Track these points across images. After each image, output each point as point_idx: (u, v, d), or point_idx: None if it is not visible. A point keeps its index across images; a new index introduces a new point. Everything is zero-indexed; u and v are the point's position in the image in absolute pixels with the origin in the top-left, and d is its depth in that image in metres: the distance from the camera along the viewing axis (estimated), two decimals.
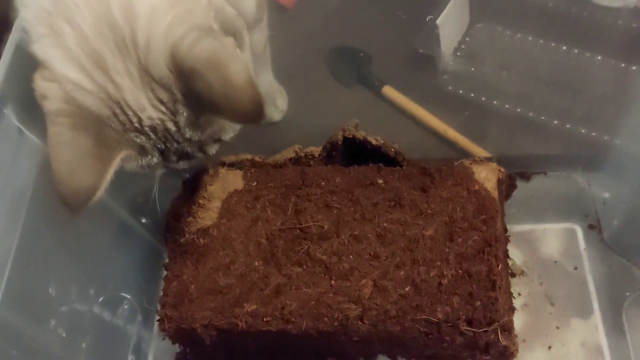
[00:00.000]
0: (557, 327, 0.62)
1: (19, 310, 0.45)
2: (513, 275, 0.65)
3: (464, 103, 0.77)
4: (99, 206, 0.60)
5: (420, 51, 0.76)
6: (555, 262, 0.65)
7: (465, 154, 0.73)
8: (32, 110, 0.48)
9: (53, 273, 0.49)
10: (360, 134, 0.61)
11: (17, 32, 0.49)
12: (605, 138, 0.71)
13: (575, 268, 0.65)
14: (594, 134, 0.71)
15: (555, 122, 0.74)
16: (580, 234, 0.67)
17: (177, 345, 0.63)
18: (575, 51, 0.79)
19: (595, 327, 0.61)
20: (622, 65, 0.76)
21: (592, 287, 0.63)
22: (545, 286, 0.64)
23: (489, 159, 0.66)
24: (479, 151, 0.73)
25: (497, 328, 0.51)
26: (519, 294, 0.64)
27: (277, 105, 0.79)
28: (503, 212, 0.61)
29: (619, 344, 0.60)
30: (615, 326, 0.61)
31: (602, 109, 0.72)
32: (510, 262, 0.65)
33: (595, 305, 0.62)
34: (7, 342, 0.44)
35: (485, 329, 0.51)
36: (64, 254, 0.52)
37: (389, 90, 0.79)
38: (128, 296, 0.61)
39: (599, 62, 0.78)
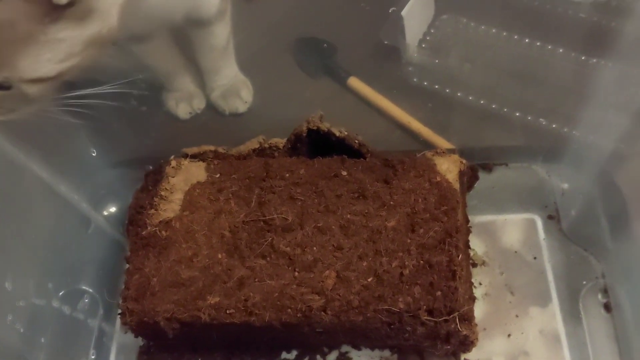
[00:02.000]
0: (517, 316, 0.63)
1: None
2: (474, 265, 0.66)
3: (429, 95, 0.78)
4: (58, 198, 0.60)
5: (385, 42, 0.77)
6: (516, 252, 0.67)
7: (429, 145, 0.74)
8: None
9: (9, 267, 0.48)
10: (325, 126, 0.61)
11: None
12: (565, 130, 0.72)
13: (535, 258, 0.66)
14: (554, 125, 0.73)
15: (518, 114, 0.75)
16: (540, 224, 0.68)
17: (140, 339, 0.62)
18: (538, 44, 0.81)
19: (553, 315, 0.63)
20: (582, 57, 0.78)
21: (550, 276, 0.65)
22: (506, 276, 0.65)
23: (452, 151, 0.67)
24: (443, 143, 0.73)
25: (456, 317, 0.52)
26: (480, 284, 0.65)
27: (242, 97, 0.79)
28: (465, 203, 0.62)
29: (576, 331, 0.62)
30: (572, 314, 0.63)
31: (562, 101, 0.74)
32: (471, 253, 0.66)
33: (554, 294, 0.64)
34: None
35: (445, 318, 0.52)
36: (21, 247, 0.51)
37: (354, 82, 0.79)
38: (89, 290, 0.60)
39: (560, 54, 0.79)
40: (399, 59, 0.79)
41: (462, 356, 0.61)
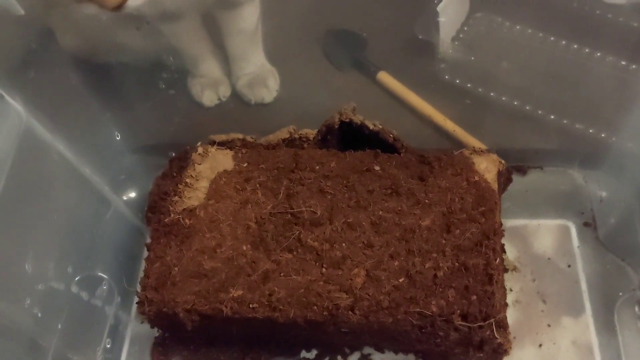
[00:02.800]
0: (549, 325, 0.60)
1: None
2: (506, 270, 0.63)
3: (461, 93, 0.76)
4: (80, 180, 0.58)
5: (420, 37, 0.74)
6: (549, 259, 0.64)
7: (460, 145, 0.72)
8: (13, 75, 0.45)
9: (30, 249, 0.46)
10: (358, 118, 0.59)
11: None
12: (603, 135, 0.69)
13: (569, 266, 0.63)
14: (591, 130, 0.70)
15: (553, 117, 0.72)
16: (574, 231, 0.65)
17: (155, 330, 0.60)
18: (575, 46, 0.78)
19: (586, 326, 0.60)
20: (622, 63, 0.75)
21: (584, 285, 0.62)
22: (538, 283, 0.63)
23: (485, 151, 0.65)
24: (475, 142, 0.71)
25: (492, 324, 0.49)
26: (511, 290, 0.62)
27: (269, 86, 0.77)
28: (500, 206, 0.60)
29: (610, 343, 0.59)
30: (606, 325, 0.60)
31: (600, 106, 0.71)
32: (504, 257, 0.63)
33: (588, 304, 0.61)
34: None
35: (480, 324, 0.49)
36: (42, 229, 0.49)
37: (384, 76, 0.77)
38: (106, 276, 0.58)
39: (598, 58, 0.77)
40: (431, 54, 0.76)
41: None
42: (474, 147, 0.58)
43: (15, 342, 0.46)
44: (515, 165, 0.69)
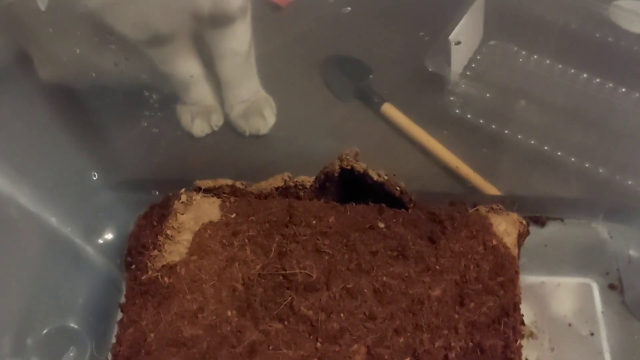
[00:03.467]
0: None
1: None
2: (522, 337, 0.57)
3: (472, 130, 0.70)
4: (45, 231, 0.51)
5: (430, 70, 0.68)
6: (569, 324, 0.57)
7: (470, 188, 0.66)
8: None
9: None
10: (361, 166, 0.52)
11: None
12: (630, 183, 0.63)
13: (592, 334, 0.57)
14: (617, 177, 0.64)
15: (573, 159, 0.66)
16: (598, 293, 0.59)
17: None
18: (597, 80, 0.72)
19: None
20: None
21: (608, 357, 0.56)
22: (557, 353, 0.56)
23: (499, 198, 0.59)
24: (487, 187, 0.65)
25: None
26: None
27: (265, 116, 0.71)
28: (520, 244, 0.53)
29: None
30: None
31: (626, 149, 0.65)
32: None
33: None
34: None
35: None
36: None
37: (389, 109, 0.71)
38: (73, 345, 0.51)
39: (622, 94, 0.71)
40: (440, 86, 0.70)
41: None
42: (491, 206, 0.51)
43: None
44: (532, 216, 0.62)
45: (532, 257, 0.60)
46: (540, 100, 0.70)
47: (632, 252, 0.59)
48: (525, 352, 0.56)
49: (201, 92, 0.70)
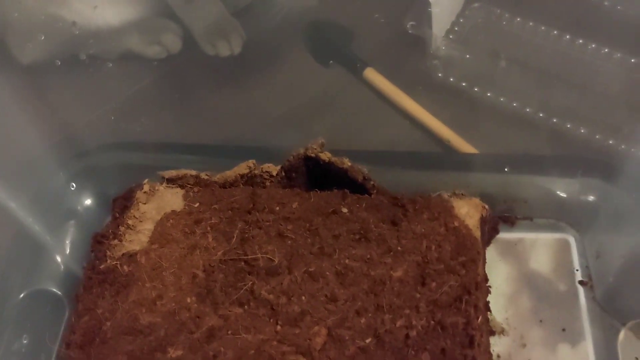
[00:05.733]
0: None
1: None
2: (492, 333, 0.55)
3: (454, 93, 0.69)
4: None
5: (410, 32, 0.68)
6: (541, 321, 0.57)
7: (453, 151, 0.65)
8: None
9: None
10: (326, 156, 0.52)
11: None
12: (611, 142, 0.63)
13: (563, 329, 0.56)
14: (597, 136, 0.64)
15: (555, 120, 0.66)
16: (569, 290, 0.58)
17: None
18: (580, 41, 0.71)
19: None
20: (632, 61, 0.68)
21: (583, 349, 0.54)
22: (529, 348, 0.55)
23: (478, 157, 0.60)
24: (467, 147, 0.65)
25: None
26: (499, 357, 0.54)
27: (230, 42, 0.71)
28: (485, 258, 0.53)
29: None
30: None
31: (607, 109, 0.65)
32: (490, 318, 0.56)
33: None
34: None
35: None
36: None
37: (371, 73, 0.71)
38: (26, 334, 0.50)
39: (604, 55, 0.70)
40: (423, 50, 0.70)
41: None
42: (454, 191, 0.52)
43: None
44: (502, 215, 0.62)
45: (502, 255, 0.60)
46: (523, 63, 0.69)
47: (600, 248, 0.59)
48: (497, 349, 0.55)
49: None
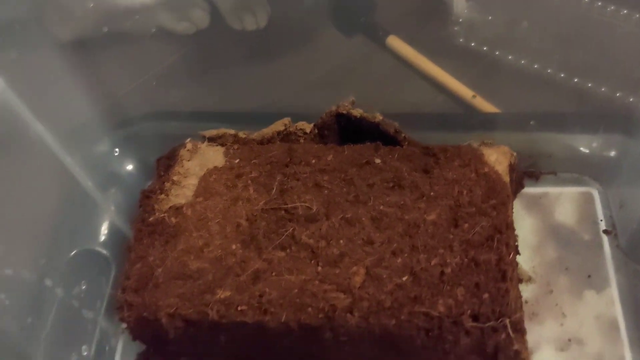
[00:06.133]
0: (569, 340, 0.55)
1: None
2: (520, 281, 0.58)
3: (476, 57, 0.71)
4: (58, 167, 0.53)
5: None
6: (567, 269, 0.59)
7: (476, 110, 0.67)
8: None
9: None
10: (357, 112, 0.55)
11: None
12: (631, 100, 0.64)
13: (589, 276, 0.58)
14: (618, 94, 0.66)
15: (576, 80, 0.68)
16: (594, 239, 0.60)
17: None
18: (599, 3, 0.71)
19: (614, 341, 0.54)
20: None
21: (608, 295, 0.57)
22: (556, 295, 0.57)
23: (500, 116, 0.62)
24: (490, 108, 0.67)
25: (507, 325, 0.44)
26: (526, 302, 0.57)
27: (256, 16, 0.74)
28: (513, 197, 0.55)
29: None
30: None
31: (626, 68, 0.66)
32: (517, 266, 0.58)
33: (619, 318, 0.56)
34: None
35: (493, 326, 0.44)
36: (18, 210, 0.45)
37: (394, 41, 0.73)
38: (84, 278, 0.54)
39: (623, 16, 0.70)
40: (444, 16, 0.72)
41: None
42: (483, 140, 0.54)
43: None
44: (527, 171, 0.64)
45: (527, 208, 0.62)
46: (543, 25, 0.71)
47: (623, 198, 0.61)
48: (524, 295, 0.57)
49: None
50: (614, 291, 0.57)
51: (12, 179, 0.44)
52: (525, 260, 0.59)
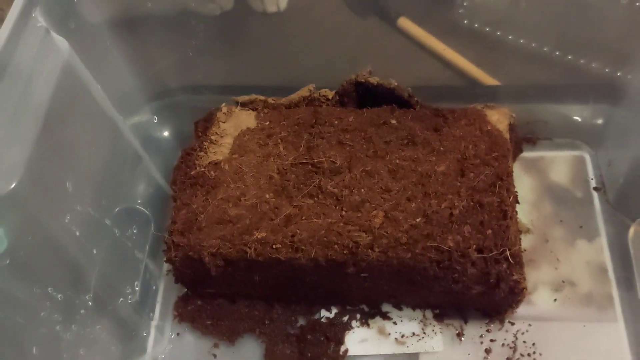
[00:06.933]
0: (563, 282, 0.62)
1: (37, 194, 0.44)
2: (519, 232, 0.65)
3: (479, 37, 0.76)
4: (113, 126, 0.60)
5: None
6: (561, 221, 0.66)
7: (477, 84, 0.73)
8: (59, 13, 0.49)
9: (70, 170, 0.49)
10: (374, 79, 0.62)
11: None
12: (619, 74, 0.71)
13: (581, 227, 0.65)
14: (607, 69, 0.72)
15: (570, 57, 0.73)
16: (585, 196, 0.67)
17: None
18: None
19: (603, 282, 0.61)
20: (637, 4, 0.76)
21: (598, 243, 0.64)
22: (551, 243, 0.64)
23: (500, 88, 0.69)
24: (491, 80, 0.73)
25: (508, 256, 0.51)
26: (525, 250, 0.64)
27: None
28: (513, 159, 0.62)
29: (629, 296, 0.60)
30: (626, 283, 0.61)
31: (617, 46, 0.72)
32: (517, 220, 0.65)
33: (608, 264, 0.63)
34: (23, 224, 0.43)
35: (496, 257, 0.51)
36: (80, 156, 0.52)
37: (404, 22, 0.78)
38: (138, 218, 0.61)
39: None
40: (450, 0, 0.78)
41: (507, 319, 0.60)
42: (486, 103, 0.61)
43: (57, 258, 0.48)
44: (525, 137, 0.71)
45: (526, 169, 0.69)
46: (540, 8, 0.78)
47: (610, 159, 0.68)
48: (523, 244, 0.63)
49: None
50: (603, 240, 0.64)
51: (77, 132, 0.50)
52: (524, 215, 0.66)
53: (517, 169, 0.69)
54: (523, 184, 0.69)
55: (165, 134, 0.72)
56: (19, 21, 0.44)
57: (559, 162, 0.70)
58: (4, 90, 0.43)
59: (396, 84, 0.61)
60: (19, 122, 0.43)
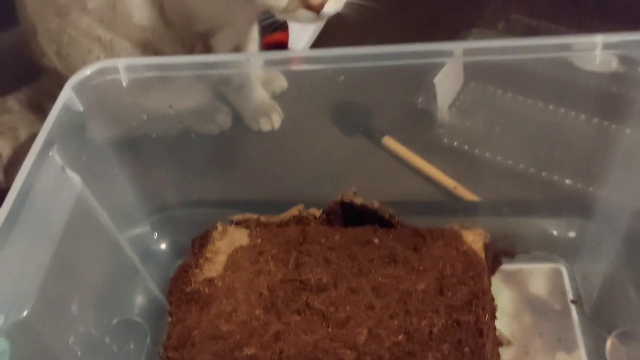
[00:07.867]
0: None
1: (47, 319, 0.47)
2: (500, 344, 0.67)
3: (459, 154, 0.84)
4: (116, 248, 0.64)
5: (419, 107, 0.84)
6: (540, 333, 0.68)
7: (459, 198, 0.79)
8: (73, 150, 0.55)
9: (76, 289, 0.53)
10: (358, 200, 0.67)
11: (67, 89, 0.57)
12: (590, 189, 0.76)
13: (559, 339, 0.68)
14: (579, 185, 0.77)
15: (544, 174, 0.80)
16: (563, 308, 0.70)
17: None
18: (562, 110, 0.85)
19: None
20: (605, 123, 0.81)
21: (577, 355, 0.66)
22: (532, 355, 0.67)
23: (480, 204, 0.74)
24: (471, 197, 0.79)
25: None
26: None
27: (271, 119, 0.87)
28: (490, 279, 0.66)
29: None
30: None
31: (587, 164, 0.77)
32: (497, 332, 0.68)
33: None
34: (31, 347, 0.46)
35: None
36: (88, 280, 0.55)
37: (388, 140, 0.85)
38: (132, 335, 0.63)
39: (582, 120, 0.83)
40: (430, 121, 0.84)
41: None
42: (462, 223, 0.66)
43: None
44: (503, 250, 0.75)
45: (507, 282, 0.73)
46: (514, 129, 0.82)
47: (585, 272, 0.72)
48: (504, 357, 0.66)
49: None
50: (581, 351, 0.67)
51: (83, 252, 0.55)
52: (504, 326, 0.69)
53: (497, 281, 0.73)
54: (503, 295, 0.72)
55: (163, 246, 0.77)
56: (38, 160, 0.49)
57: (537, 275, 0.74)
58: (23, 221, 0.47)
59: (378, 204, 0.66)
60: (35, 249, 0.47)
